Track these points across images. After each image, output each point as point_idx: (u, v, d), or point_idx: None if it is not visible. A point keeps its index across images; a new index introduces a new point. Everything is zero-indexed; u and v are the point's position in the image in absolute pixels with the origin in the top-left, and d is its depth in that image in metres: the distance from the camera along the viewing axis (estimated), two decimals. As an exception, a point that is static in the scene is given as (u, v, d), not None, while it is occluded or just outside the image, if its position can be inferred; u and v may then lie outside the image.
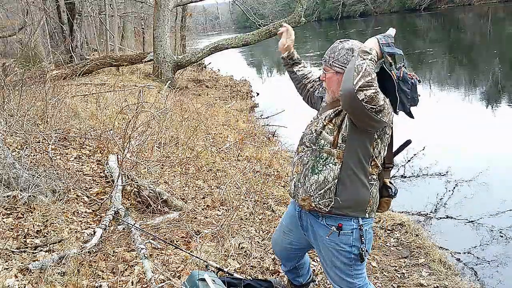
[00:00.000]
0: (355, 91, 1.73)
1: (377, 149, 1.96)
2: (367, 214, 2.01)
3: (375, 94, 1.76)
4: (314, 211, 2.04)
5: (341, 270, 2.08)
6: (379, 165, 2.00)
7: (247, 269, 3.01)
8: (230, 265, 3.01)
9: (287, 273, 2.64)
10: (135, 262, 2.87)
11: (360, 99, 1.74)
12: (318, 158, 1.97)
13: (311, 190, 1.98)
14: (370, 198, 1.99)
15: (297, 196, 2.07)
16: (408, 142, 2.17)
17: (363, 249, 2.00)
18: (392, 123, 1.99)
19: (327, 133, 1.96)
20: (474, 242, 3.97)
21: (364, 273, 2.16)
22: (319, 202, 1.97)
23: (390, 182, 2.10)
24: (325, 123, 1.98)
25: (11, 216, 3.16)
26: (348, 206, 1.96)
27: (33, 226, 3.07)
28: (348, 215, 1.98)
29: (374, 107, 1.77)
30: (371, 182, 1.99)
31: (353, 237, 1.99)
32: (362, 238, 1.99)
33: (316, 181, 1.96)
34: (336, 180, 1.93)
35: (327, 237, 2.02)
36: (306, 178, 2.00)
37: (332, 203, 1.95)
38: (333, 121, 1.97)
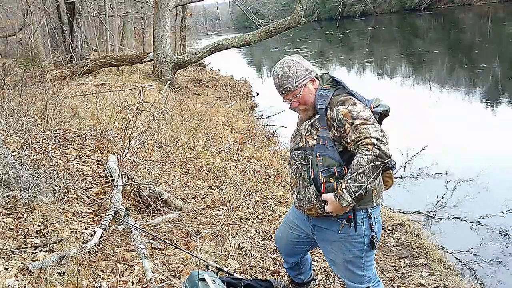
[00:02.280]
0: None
1: None
2: (374, 203, 2.06)
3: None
4: (322, 216, 2.09)
5: (353, 263, 2.13)
6: None
7: (247, 269, 3.01)
8: (230, 265, 3.01)
9: (288, 271, 2.65)
10: (135, 262, 2.87)
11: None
12: None
13: (313, 200, 2.04)
14: (373, 188, 2.03)
15: (303, 207, 2.13)
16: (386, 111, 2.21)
17: (374, 237, 2.06)
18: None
19: None
20: (474, 242, 3.97)
21: (373, 265, 2.21)
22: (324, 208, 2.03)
23: None
24: (307, 139, 2.05)
25: (11, 216, 3.16)
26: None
27: (33, 226, 3.07)
28: (357, 208, 2.03)
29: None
30: None
31: (364, 227, 2.05)
32: (372, 226, 2.05)
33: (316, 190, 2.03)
34: None
35: (339, 232, 2.07)
36: (306, 189, 2.07)
37: None
38: (312, 135, 2.04)
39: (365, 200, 2.01)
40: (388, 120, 2.18)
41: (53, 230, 3.09)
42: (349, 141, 1.91)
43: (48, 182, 3.59)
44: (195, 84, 12.72)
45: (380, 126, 2.15)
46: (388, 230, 3.89)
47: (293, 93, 2.04)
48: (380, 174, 1.91)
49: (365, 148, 1.85)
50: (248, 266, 3.05)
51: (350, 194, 1.88)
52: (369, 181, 1.86)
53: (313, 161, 2.01)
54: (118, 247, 3.03)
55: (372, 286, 2.20)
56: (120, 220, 3.36)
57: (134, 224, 3.25)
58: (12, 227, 3.03)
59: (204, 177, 4.68)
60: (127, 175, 3.95)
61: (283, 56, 2.23)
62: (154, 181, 4.18)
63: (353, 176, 1.87)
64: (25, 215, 3.19)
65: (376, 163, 1.84)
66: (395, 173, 2.06)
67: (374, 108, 2.05)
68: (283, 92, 2.05)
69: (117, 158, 4.39)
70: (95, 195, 3.81)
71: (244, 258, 3.16)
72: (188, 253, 2.96)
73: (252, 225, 3.72)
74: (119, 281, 2.63)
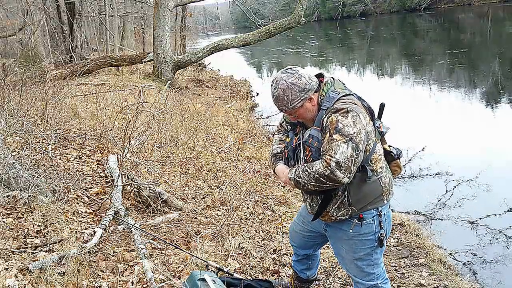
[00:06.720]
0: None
1: (369, 151, 1.98)
2: (385, 201, 2.10)
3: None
4: (335, 220, 2.12)
5: (363, 261, 2.16)
6: (379, 157, 2.05)
7: (247, 269, 3.01)
8: (230, 265, 3.02)
9: (296, 264, 2.65)
10: (135, 262, 2.87)
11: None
12: None
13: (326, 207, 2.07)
14: (383, 188, 2.07)
15: None
16: (382, 105, 2.22)
17: (382, 234, 2.09)
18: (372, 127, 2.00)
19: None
20: (474, 242, 3.97)
21: (382, 262, 2.24)
22: (338, 214, 2.07)
23: (390, 146, 2.19)
24: (312, 150, 2.00)
25: (11, 216, 3.15)
26: (364, 205, 2.04)
27: (33, 226, 3.07)
28: (368, 209, 2.06)
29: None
30: (380, 176, 2.05)
31: (375, 224, 2.08)
32: (382, 224, 2.08)
33: None
34: (346, 192, 2.01)
35: (351, 231, 2.10)
36: (319, 197, 2.08)
37: (350, 211, 2.05)
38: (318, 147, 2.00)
39: (375, 200, 2.05)
40: (388, 121, 2.19)
41: (53, 230, 3.09)
42: (322, 149, 1.93)
43: (48, 182, 3.59)
44: (195, 84, 12.71)
45: (378, 122, 2.13)
46: (388, 230, 3.89)
47: (289, 112, 2.06)
48: (324, 188, 1.92)
49: (323, 161, 1.88)
50: (248, 266, 3.05)
51: (293, 174, 1.99)
52: (307, 184, 1.94)
53: (300, 156, 2.03)
54: (118, 247, 3.03)
55: (380, 283, 2.22)
56: (120, 220, 3.36)
57: (134, 224, 3.25)
58: (12, 227, 3.03)
59: (204, 177, 4.68)
60: (127, 175, 3.95)
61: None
62: (154, 181, 4.18)
63: (304, 168, 1.95)
64: (25, 215, 3.18)
65: (321, 179, 1.87)
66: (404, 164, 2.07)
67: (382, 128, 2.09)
68: (284, 111, 2.09)
69: (117, 158, 4.39)
70: (95, 195, 3.81)
71: (244, 258, 3.16)
72: (188, 253, 2.96)
73: (252, 225, 3.72)
74: (119, 281, 2.63)
